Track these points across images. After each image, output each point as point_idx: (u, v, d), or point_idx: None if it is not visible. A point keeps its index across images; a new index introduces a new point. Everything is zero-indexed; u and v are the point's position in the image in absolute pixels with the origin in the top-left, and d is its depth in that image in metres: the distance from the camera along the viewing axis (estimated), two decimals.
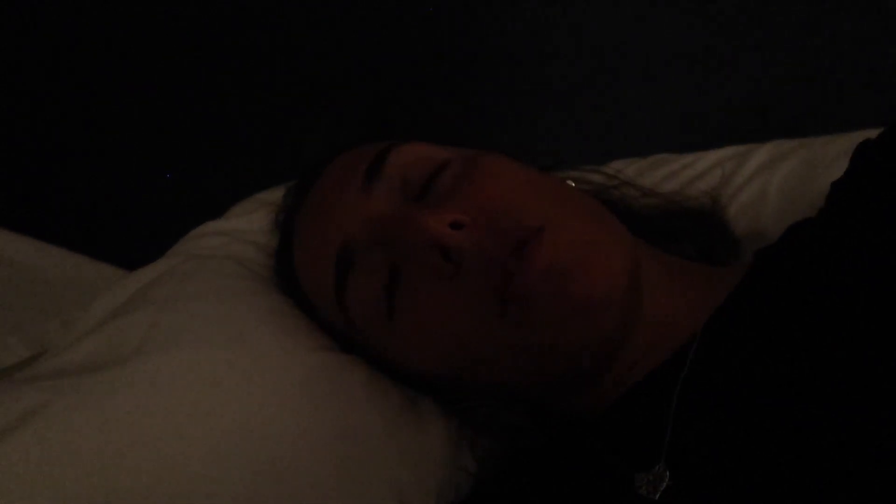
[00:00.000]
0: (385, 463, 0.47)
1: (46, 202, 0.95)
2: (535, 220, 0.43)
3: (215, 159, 0.88)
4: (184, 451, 0.43)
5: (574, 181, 0.58)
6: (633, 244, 0.47)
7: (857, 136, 0.60)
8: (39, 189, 0.96)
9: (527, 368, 0.45)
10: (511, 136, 0.62)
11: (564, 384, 0.47)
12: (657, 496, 0.41)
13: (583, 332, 0.43)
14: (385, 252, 0.46)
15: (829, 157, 0.61)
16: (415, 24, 0.80)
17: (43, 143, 0.97)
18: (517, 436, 0.50)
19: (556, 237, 0.42)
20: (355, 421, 0.47)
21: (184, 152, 0.90)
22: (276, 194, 0.64)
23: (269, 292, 0.54)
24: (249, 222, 0.63)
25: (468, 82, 0.81)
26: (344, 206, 0.48)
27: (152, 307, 0.50)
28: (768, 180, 0.63)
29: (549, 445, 0.49)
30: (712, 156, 0.68)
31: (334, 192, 0.50)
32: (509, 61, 0.79)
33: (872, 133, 0.51)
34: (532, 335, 0.43)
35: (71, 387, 0.45)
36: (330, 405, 0.47)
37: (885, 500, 0.34)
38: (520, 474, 0.49)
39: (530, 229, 0.43)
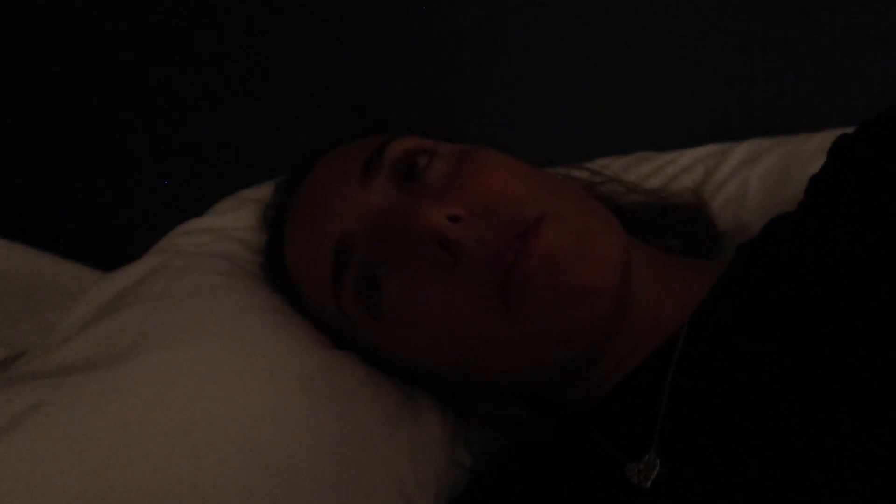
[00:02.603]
0: (386, 459, 0.47)
1: (15, 203, 0.92)
2: (534, 210, 0.44)
3: (194, 157, 0.87)
4: (183, 449, 0.42)
5: (561, 177, 0.58)
6: (626, 236, 0.48)
7: (832, 134, 0.62)
8: (6, 190, 0.94)
9: (523, 359, 0.46)
10: (496, 133, 0.62)
11: (559, 375, 0.48)
12: (648, 484, 0.42)
13: (577, 321, 0.43)
14: (383, 246, 0.46)
15: (807, 153, 0.63)
16: (401, 20, 0.80)
17: (9, 145, 0.94)
18: (512, 429, 0.51)
19: (555, 227, 0.43)
20: (355, 417, 0.47)
21: (160, 150, 0.88)
22: (261, 191, 0.64)
23: (260, 289, 0.54)
24: (235, 219, 0.62)
25: (454, 80, 0.81)
26: (341, 201, 0.48)
27: (145, 304, 0.49)
28: (748, 176, 0.65)
29: (544, 437, 0.50)
30: (693, 153, 0.69)
31: (330, 186, 0.49)
32: (495, 60, 0.80)
33: (847, 130, 0.53)
34: (529, 324, 0.43)
35: (66, 386, 0.44)
36: (329, 402, 0.47)
37: (871, 488, 0.35)
38: (515, 466, 0.49)
39: (529, 220, 0.43)
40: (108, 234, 0.87)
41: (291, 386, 0.47)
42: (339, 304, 0.48)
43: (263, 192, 0.63)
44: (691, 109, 0.76)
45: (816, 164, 0.53)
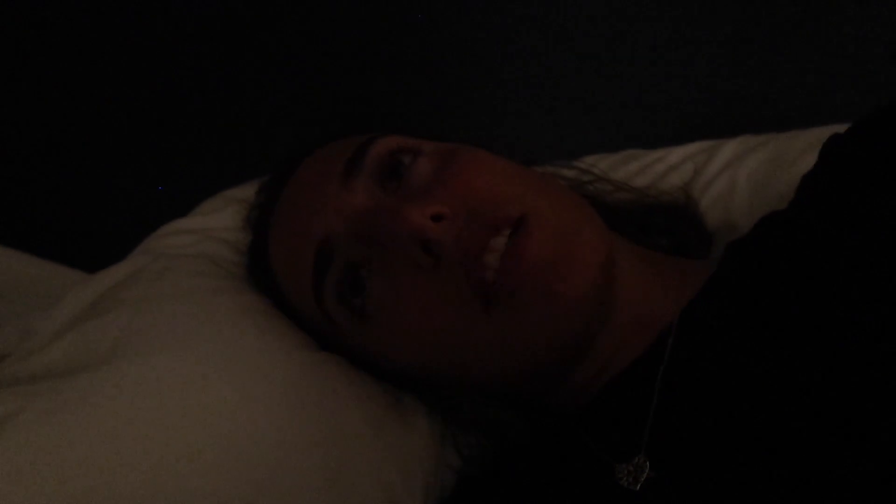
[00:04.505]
0: (373, 462, 0.46)
1: (5, 207, 0.91)
2: (515, 208, 0.43)
3: (177, 156, 0.86)
4: (164, 455, 0.42)
5: (547, 176, 0.58)
6: (610, 235, 0.47)
7: (821, 132, 0.62)
8: None
9: (506, 362, 0.45)
10: (483, 132, 0.62)
11: (543, 377, 0.48)
12: (638, 487, 0.41)
13: (562, 326, 0.43)
14: (366, 246, 0.45)
15: (795, 151, 0.63)
16: (387, 18, 0.80)
17: None
18: (501, 431, 0.50)
19: (541, 229, 0.42)
20: (341, 420, 0.47)
21: (143, 149, 0.87)
22: (244, 191, 0.63)
23: (244, 291, 0.53)
24: (219, 220, 0.62)
25: (439, 79, 0.80)
26: (324, 201, 0.47)
27: (125, 308, 0.49)
28: (737, 174, 0.64)
29: (533, 439, 0.49)
30: (682, 151, 0.69)
31: (313, 187, 0.49)
32: (480, 58, 0.79)
33: (835, 129, 0.53)
34: (514, 330, 0.43)
35: (45, 392, 0.43)
36: (314, 405, 0.46)
37: (864, 490, 0.35)
38: (504, 469, 0.49)
39: (509, 217, 0.43)
40: (97, 237, 0.86)
41: (273, 389, 0.46)
42: (321, 306, 0.47)
43: (247, 191, 0.62)
44: (680, 106, 0.76)
45: (806, 162, 0.53)
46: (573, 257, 0.43)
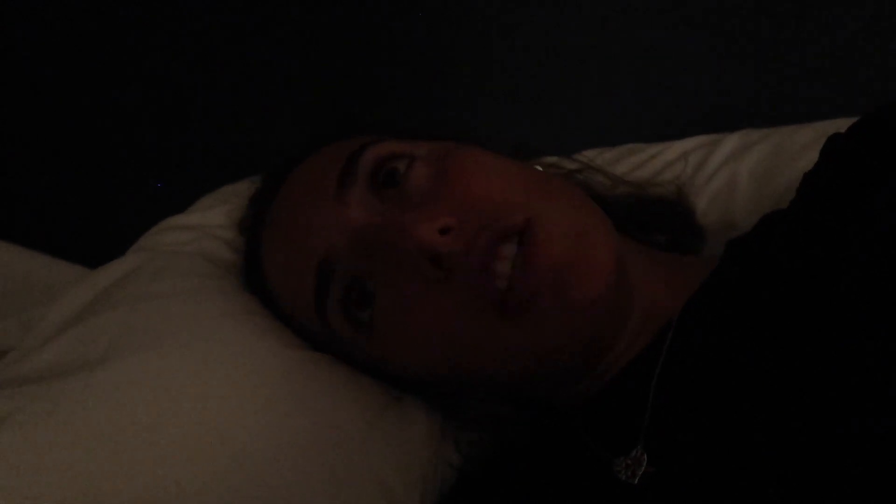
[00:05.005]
0: (370, 460, 0.46)
1: (6, 202, 0.91)
2: (520, 214, 0.42)
3: (175, 152, 0.86)
4: (161, 456, 0.42)
5: (547, 170, 0.58)
6: (616, 235, 0.47)
7: (823, 126, 0.62)
8: None
9: (524, 367, 0.45)
10: (480, 127, 0.62)
11: (556, 379, 0.47)
12: (636, 480, 0.41)
13: (581, 329, 0.43)
14: (369, 260, 0.44)
15: (797, 146, 0.62)
16: (380, 14, 0.79)
17: None
18: (501, 428, 0.50)
19: (548, 232, 0.42)
20: (338, 417, 0.47)
21: (142, 145, 0.87)
22: (243, 187, 0.63)
23: (239, 291, 0.53)
24: (217, 217, 0.61)
25: (435, 74, 0.80)
26: (320, 216, 0.46)
27: (122, 307, 0.49)
28: (737, 169, 0.64)
29: (533, 436, 0.50)
30: (681, 145, 0.68)
31: (307, 201, 0.48)
32: (478, 53, 0.79)
33: (837, 123, 0.52)
34: (533, 336, 0.43)
35: (40, 393, 0.43)
36: (311, 403, 0.46)
37: (861, 486, 0.35)
38: (504, 465, 0.49)
39: (515, 224, 0.42)
40: (96, 232, 0.86)
41: (269, 387, 0.46)
42: (323, 320, 0.47)
43: (247, 188, 0.62)
44: (680, 101, 0.76)
45: (807, 157, 0.53)
46: (584, 260, 0.42)
